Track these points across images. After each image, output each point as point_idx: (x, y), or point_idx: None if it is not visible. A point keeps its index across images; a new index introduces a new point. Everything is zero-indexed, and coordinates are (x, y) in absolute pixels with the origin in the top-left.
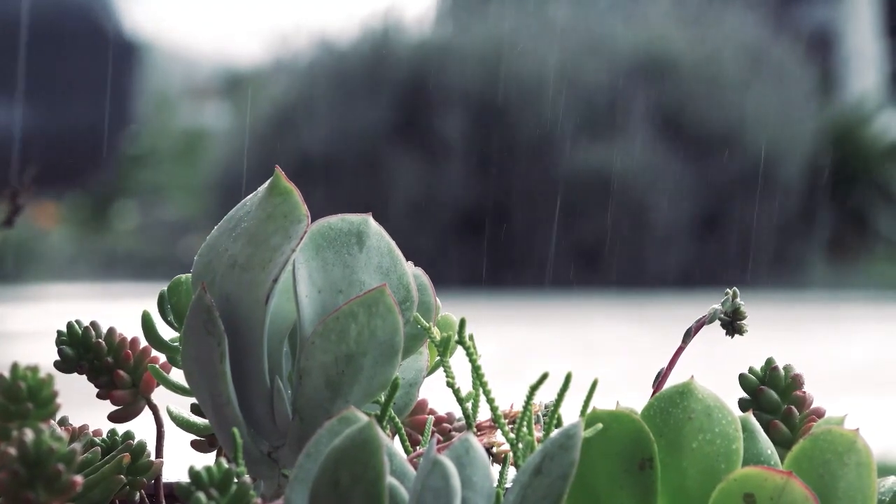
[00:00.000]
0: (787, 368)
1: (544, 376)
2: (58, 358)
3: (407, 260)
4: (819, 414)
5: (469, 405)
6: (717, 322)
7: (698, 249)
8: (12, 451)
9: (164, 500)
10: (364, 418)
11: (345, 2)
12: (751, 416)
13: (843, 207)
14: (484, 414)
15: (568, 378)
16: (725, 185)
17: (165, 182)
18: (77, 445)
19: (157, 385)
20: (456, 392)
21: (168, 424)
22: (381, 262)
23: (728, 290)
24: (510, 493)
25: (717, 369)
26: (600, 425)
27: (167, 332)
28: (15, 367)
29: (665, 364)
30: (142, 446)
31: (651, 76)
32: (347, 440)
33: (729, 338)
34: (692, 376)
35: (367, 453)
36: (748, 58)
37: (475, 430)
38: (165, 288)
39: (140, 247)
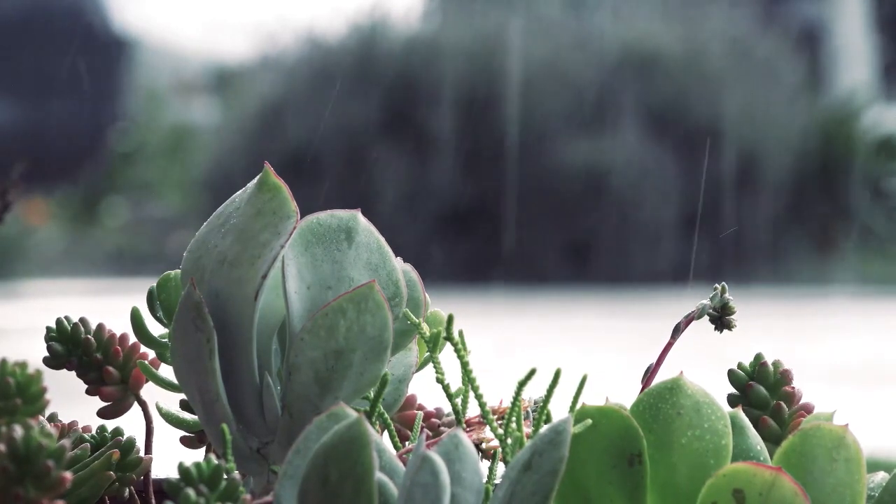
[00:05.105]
0: (776, 364)
1: (532, 372)
2: (47, 354)
3: (396, 256)
4: (808, 409)
5: (458, 401)
6: (706, 317)
7: (687, 245)
8: (1, 447)
9: (153, 497)
10: (353, 414)
11: None
12: (740, 412)
13: (833, 202)
14: (473, 410)
15: (557, 374)
16: (715, 181)
17: (155, 178)
18: (66, 442)
19: (147, 381)
20: (445, 388)
21: (157, 421)
22: (371, 258)
23: (717, 285)
24: (499, 488)
25: (706, 364)
26: (589, 421)
27: (156, 329)
28: (4, 363)
29: (654, 359)
30: (131, 443)
31: (639, 72)
32: (336, 436)
33: (717, 333)
34: (681, 372)
35: (356, 449)
36: (737, 53)
37: (464, 425)
38: (155, 284)
39: (129, 243)
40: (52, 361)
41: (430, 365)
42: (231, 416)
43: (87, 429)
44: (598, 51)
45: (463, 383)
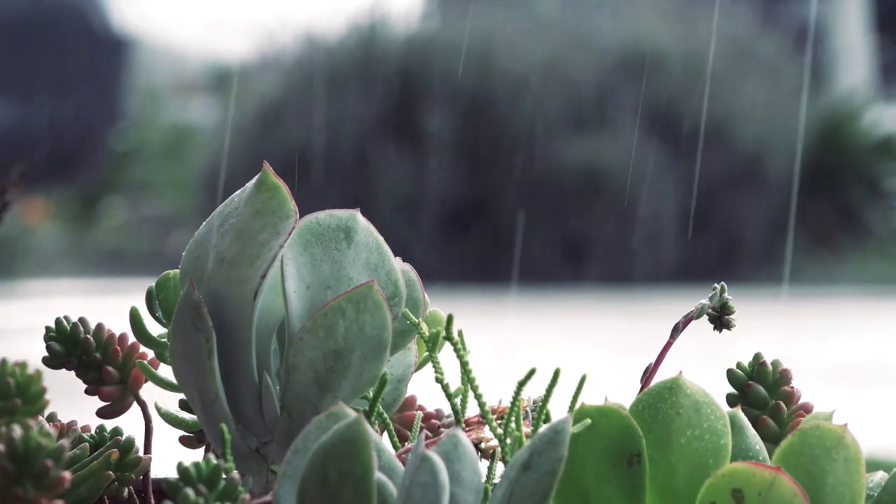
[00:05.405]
0: (775, 364)
1: (532, 372)
2: (46, 354)
3: (395, 255)
4: (807, 409)
5: (457, 401)
6: (706, 317)
7: (687, 245)
8: (0, 447)
9: (152, 497)
10: (352, 414)
11: None
12: (739, 412)
13: (832, 203)
14: (472, 409)
15: (556, 374)
16: (714, 181)
17: (154, 178)
18: (65, 441)
19: (146, 381)
20: (444, 388)
21: (156, 420)
22: (370, 258)
23: (715, 284)
24: (498, 488)
25: (704, 364)
26: (588, 421)
27: (155, 329)
28: (3, 363)
29: (653, 359)
30: (130, 442)
31: (639, 71)
32: (336, 436)
33: (717, 333)
34: (680, 372)
35: (355, 449)
36: (736, 53)
37: (463, 425)
38: (154, 284)
39: (128, 243)
40: (52, 361)
41: (430, 365)
42: (230, 416)
43: (86, 428)
44: (598, 50)
45: (462, 383)
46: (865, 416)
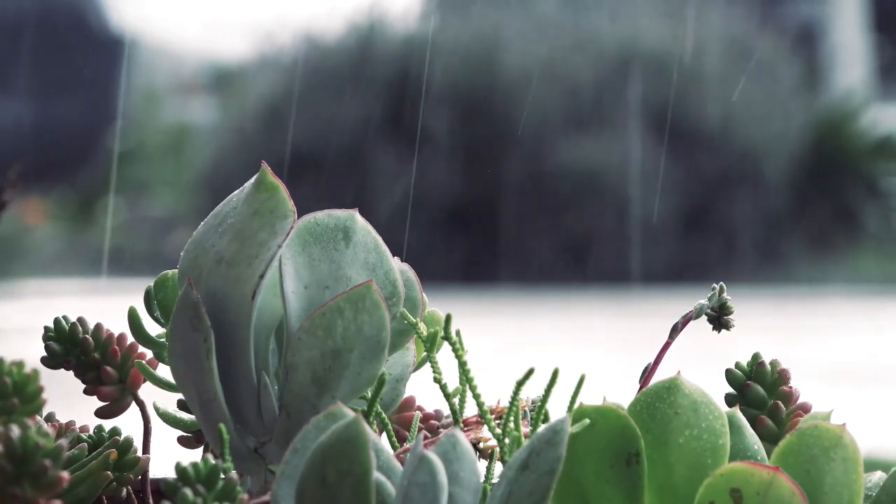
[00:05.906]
0: (773, 363)
1: (530, 372)
2: (44, 354)
3: (393, 255)
4: (806, 409)
5: (456, 401)
6: (704, 317)
7: (685, 245)
8: None
9: (150, 497)
10: (351, 414)
11: None
12: (737, 412)
13: (831, 202)
14: (471, 409)
15: (555, 374)
16: (712, 181)
17: (152, 178)
18: (64, 441)
19: (144, 381)
20: (443, 388)
21: (155, 420)
22: (368, 258)
23: (714, 285)
24: (497, 488)
25: (703, 364)
26: (587, 420)
27: (154, 328)
28: (1, 362)
29: (652, 359)
30: (129, 442)
31: (636, 71)
32: (334, 436)
33: (715, 333)
34: (679, 371)
35: (353, 449)
36: (734, 53)
37: (462, 425)
38: (152, 284)
39: (127, 243)
40: (50, 361)
41: (428, 365)
42: (228, 416)
43: (84, 428)
44: (596, 50)
45: (461, 383)
46: (864, 415)
